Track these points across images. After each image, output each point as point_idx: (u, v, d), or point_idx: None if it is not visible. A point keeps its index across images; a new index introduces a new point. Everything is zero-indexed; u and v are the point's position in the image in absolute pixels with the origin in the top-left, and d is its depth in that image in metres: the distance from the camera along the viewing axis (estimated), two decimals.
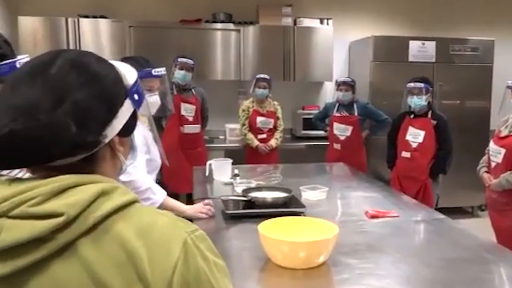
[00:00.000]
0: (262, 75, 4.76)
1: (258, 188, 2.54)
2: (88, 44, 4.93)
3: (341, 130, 4.56)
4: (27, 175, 0.77)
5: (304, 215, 2.25)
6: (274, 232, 1.70)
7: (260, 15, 5.30)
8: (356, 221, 2.26)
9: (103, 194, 0.72)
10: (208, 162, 3.22)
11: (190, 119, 4.47)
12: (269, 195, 2.42)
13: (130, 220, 0.73)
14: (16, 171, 0.82)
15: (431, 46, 5.18)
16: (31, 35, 4.83)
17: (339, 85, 4.59)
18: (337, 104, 4.65)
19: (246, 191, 2.46)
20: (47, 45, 4.85)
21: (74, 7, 5.07)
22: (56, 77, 0.73)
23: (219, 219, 2.34)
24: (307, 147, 5.28)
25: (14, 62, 1.52)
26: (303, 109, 5.60)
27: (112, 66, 0.83)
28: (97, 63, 0.80)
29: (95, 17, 4.98)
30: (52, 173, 0.72)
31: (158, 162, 2.38)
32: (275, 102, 4.90)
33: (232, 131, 5.48)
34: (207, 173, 3.18)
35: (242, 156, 4.79)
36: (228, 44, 5.27)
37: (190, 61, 4.38)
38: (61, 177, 0.72)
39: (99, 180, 0.74)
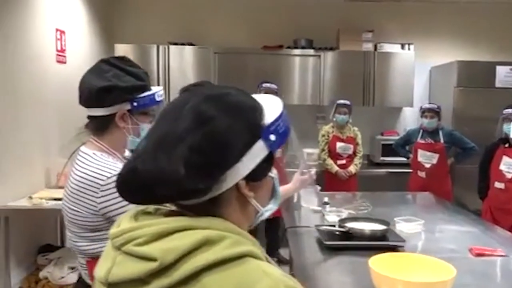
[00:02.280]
0: (342, 101, 4.76)
1: (354, 219, 2.55)
2: (175, 69, 5.19)
3: (427, 158, 4.45)
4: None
5: (403, 249, 2.23)
6: (385, 268, 1.70)
7: (340, 41, 5.34)
8: (460, 258, 2.20)
9: (207, 243, 0.67)
10: None
11: None
12: (366, 227, 2.42)
13: (228, 277, 0.66)
14: None
15: None
16: None
17: (424, 111, 4.49)
18: (421, 131, 4.56)
19: (343, 221, 2.47)
20: None
21: (164, 35, 5.37)
22: (187, 114, 0.72)
23: (314, 250, 2.35)
24: (386, 174, 5.19)
25: (153, 94, 1.59)
26: (382, 134, 5.53)
27: (248, 103, 0.76)
28: (232, 99, 0.75)
29: (183, 44, 5.25)
30: (177, 211, 0.74)
31: None
32: (355, 128, 4.87)
33: (309, 156, 5.49)
34: (295, 200, 3.22)
35: (320, 181, 4.77)
36: (309, 69, 5.34)
37: (274, 86, 4.48)
38: (173, 218, 0.71)
39: (212, 226, 0.70)
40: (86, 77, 1.58)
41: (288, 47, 5.34)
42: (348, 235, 2.35)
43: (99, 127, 1.57)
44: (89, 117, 1.58)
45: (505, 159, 3.69)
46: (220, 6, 5.54)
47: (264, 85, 4.45)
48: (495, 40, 5.58)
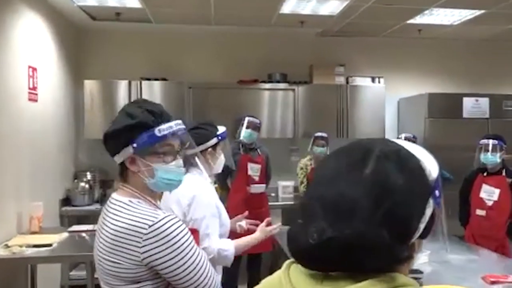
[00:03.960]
0: (320, 133, 4.82)
1: None
2: None
3: None
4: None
5: (421, 282, 2.22)
6: None
7: (314, 75, 5.44)
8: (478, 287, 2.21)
9: None
10: None
11: (256, 178, 4.49)
12: None
13: None
14: None
15: (484, 102, 5.24)
16: (96, 97, 5.02)
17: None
18: None
19: None
20: (110, 106, 5.02)
21: (136, 71, 5.26)
22: (372, 179, 0.70)
23: None
24: None
25: (153, 130, 1.43)
26: None
27: (419, 162, 0.76)
28: (405, 158, 0.74)
29: (156, 79, 5.16)
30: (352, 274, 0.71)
31: (228, 227, 2.33)
32: None
33: (285, 188, 5.48)
34: None
35: None
36: (283, 103, 5.38)
37: (257, 120, 4.46)
38: (370, 281, 0.69)
39: (408, 282, 0.71)
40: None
41: (263, 81, 5.37)
42: None
43: (121, 174, 1.52)
44: None
45: (485, 187, 3.82)
46: (193, 42, 5.52)
47: (248, 119, 4.41)
48: (460, 74, 5.89)
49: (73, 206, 4.79)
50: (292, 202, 5.16)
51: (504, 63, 6.02)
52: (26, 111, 3.91)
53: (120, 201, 1.45)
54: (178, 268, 1.37)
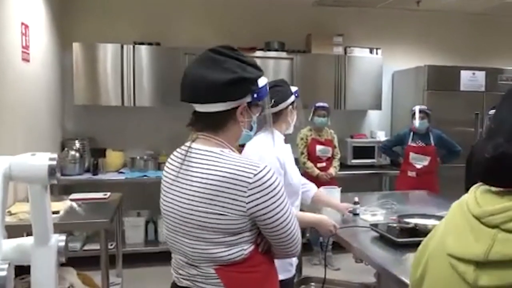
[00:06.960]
0: (321, 104, 4.72)
1: (410, 215, 2.47)
2: (142, 70, 4.84)
3: (418, 160, 4.58)
4: None
5: None
6: None
7: (312, 44, 5.32)
8: None
9: None
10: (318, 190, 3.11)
11: None
12: (422, 222, 2.36)
13: None
14: None
15: (481, 75, 5.30)
16: (85, 61, 4.72)
17: (415, 113, 4.58)
18: (411, 133, 4.65)
19: (402, 217, 2.40)
20: (101, 71, 4.76)
21: (128, 35, 5.00)
22: None
23: (383, 248, 2.26)
24: (358, 176, 5.24)
25: (266, 85, 1.45)
26: (351, 137, 5.58)
27: None
28: None
29: (150, 44, 4.90)
30: None
31: (297, 189, 2.30)
32: (331, 131, 4.87)
33: None
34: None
35: None
36: (281, 72, 5.24)
37: None
38: None
39: None
40: (198, 70, 1.37)
41: (261, 50, 5.21)
42: (415, 231, 2.26)
43: (217, 123, 1.39)
44: (201, 113, 1.39)
45: None
46: (188, 6, 5.28)
47: None
48: (457, 47, 5.93)
49: (63, 175, 4.53)
50: None
51: (500, 37, 6.10)
52: (20, 72, 3.61)
53: (210, 151, 1.37)
54: (278, 218, 1.35)
